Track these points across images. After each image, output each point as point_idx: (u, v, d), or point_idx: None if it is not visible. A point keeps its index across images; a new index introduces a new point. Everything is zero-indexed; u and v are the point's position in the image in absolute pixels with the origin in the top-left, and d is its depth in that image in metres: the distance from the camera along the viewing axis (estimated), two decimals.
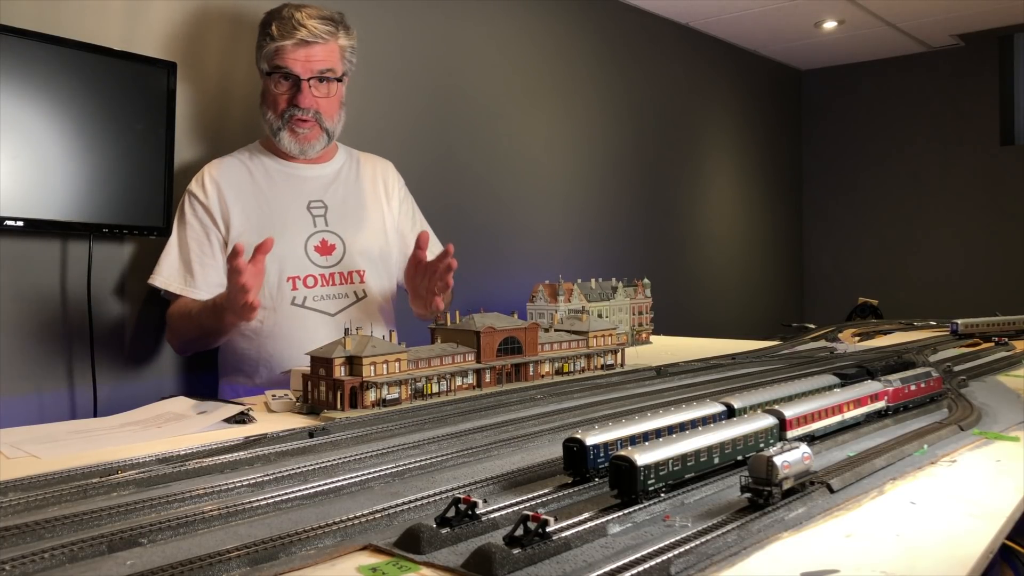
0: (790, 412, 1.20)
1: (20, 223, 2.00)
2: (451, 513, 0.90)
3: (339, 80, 2.25)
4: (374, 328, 2.06)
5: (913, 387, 1.54)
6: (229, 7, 2.58)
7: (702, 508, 1.00)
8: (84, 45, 2.10)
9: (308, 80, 2.17)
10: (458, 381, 1.77)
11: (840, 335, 3.10)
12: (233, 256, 1.77)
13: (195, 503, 1.01)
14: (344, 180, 2.37)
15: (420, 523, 0.88)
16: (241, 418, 1.56)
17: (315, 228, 2.26)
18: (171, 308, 2.21)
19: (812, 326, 3.40)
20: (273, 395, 1.74)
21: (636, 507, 0.95)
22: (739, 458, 1.10)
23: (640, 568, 0.78)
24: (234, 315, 1.88)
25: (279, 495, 1.02)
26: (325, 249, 2.25)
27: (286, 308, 2.19)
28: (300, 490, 1.05)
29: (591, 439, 1.04)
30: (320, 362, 1.61)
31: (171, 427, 1.52)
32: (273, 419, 1.60)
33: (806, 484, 1.02)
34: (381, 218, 2.40)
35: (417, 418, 1.52)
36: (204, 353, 2.36)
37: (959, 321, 2.85)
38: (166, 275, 2.18)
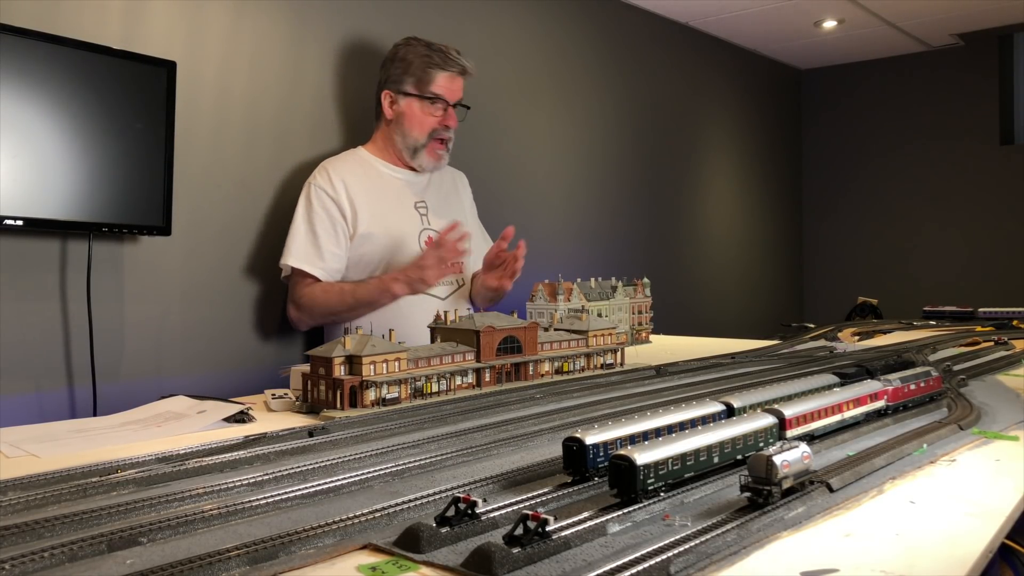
0: (789, 411, 1.20)
1: (20, 222, 1.99)
2: (451, 512, 0.90)
3: (468, 109, 2.68)
4: (464, 308, 2.56)
5: (912, 386, 1.54)
6: (229, 7, 2.58)
7: (702, 507, 1.00)
8: (83, 44, 2.10)
9: (454, 106, 2.58)
10: (458, 380, 1.77)
11: (840, 334, 3.10)
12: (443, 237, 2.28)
13: (195, 502, 1.01)
14: (436, 185, 2.74)
15: (420, 522, 0.88)
16: (241, 417, 1.56)
17: (423, 225, 2.62)
18: (309, 289, 2.45)
19: (812, 325, 3.41)
20: (273, 394, 1.74)
21: (636, 506, 0.95)
22: (739, 457, 1.10)
23: (640, 567, 0.78)
24: (405, 286, 2.33)
25: (279, 494, 1.02)
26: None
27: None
28: (300, 489, 1.05)
29: (591, 438, 1.04)
30: (320, 361, 1.60)
31: (171, 426, 1.52)
32: (273, 418, 1.60)
33: (805, 483, 1.02)
34: (463, 219, 2.72)
35: (417, 417, 1.52)
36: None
37: None
38: (297, 255, 2.44)
